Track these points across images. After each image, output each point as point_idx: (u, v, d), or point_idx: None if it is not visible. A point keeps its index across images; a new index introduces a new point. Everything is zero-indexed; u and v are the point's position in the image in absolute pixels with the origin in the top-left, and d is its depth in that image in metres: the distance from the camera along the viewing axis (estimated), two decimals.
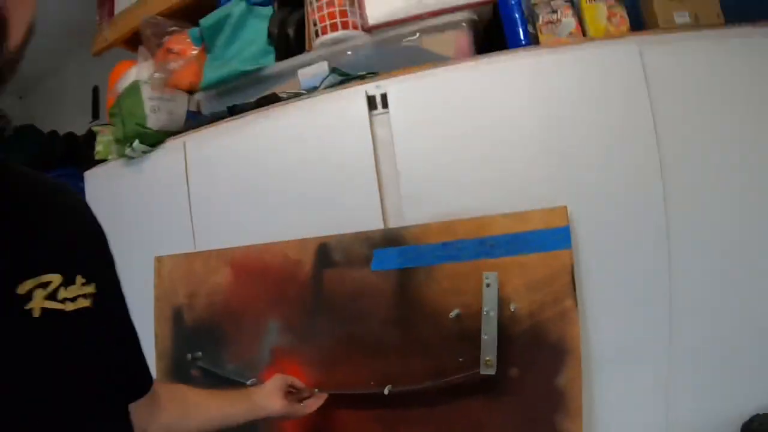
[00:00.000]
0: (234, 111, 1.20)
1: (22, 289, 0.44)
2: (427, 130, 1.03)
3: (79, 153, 2.16)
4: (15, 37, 0.41)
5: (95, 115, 2.51)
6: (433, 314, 0.99)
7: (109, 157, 1.53)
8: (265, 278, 1.09)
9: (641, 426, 1.07)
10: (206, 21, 1.37)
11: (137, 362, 0.63)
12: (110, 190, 1.49)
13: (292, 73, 1.24)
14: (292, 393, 0.94)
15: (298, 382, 0.96)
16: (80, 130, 2.46)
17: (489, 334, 0.95)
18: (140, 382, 0.64)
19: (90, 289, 0.50)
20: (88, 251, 0.55)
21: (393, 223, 1.03)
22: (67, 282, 0.48)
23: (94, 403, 0.49)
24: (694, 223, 1.01)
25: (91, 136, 1.60)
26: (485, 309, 0.95)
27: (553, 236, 0.97)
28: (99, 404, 0.50)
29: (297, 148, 1.12)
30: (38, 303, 0.45)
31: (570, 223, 0.97)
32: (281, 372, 0.99)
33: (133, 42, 1.68)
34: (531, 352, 0.99)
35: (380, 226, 1.03)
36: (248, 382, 1.05)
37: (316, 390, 0.99)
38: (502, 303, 0.97)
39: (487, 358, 0.95)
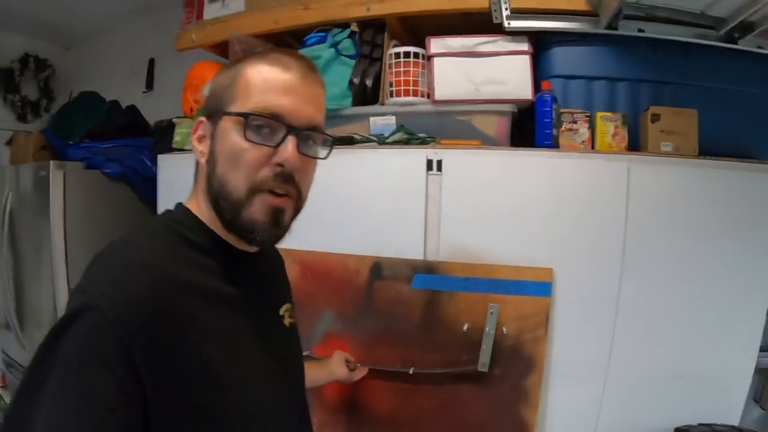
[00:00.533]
0: None
1: (282, 310, 0.80)
2: (467, 194, 1.41)
3: (138, 125, 2.35)
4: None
5: (149, 85, 2.68)
6: (450, 325, 1.41)
7: (186, 147, 1.82)
8: (327, 279, 1.47)
9: (576, 425, 1.53)
10: None
11: None
12: (181, 177, 1.79)
13: (365, 117, 1.57)
14: (346, 365, 1.36)
15: (350, 357, 1.37)
16: (124, 94, 2.65)
17: (486, 345, 1.38)
18: None
19: (292, 310, 0.86)
20: (287, 286, 0.91)
21: (431, 257, 1.42)
22: (293, 308, 0.85)
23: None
24: (638, 292, 1.45)
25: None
26: (487, 328, 1.37)
27: (540, 287, 1.40)
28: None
29: (366, 184, 1.47)
30: (287, 320, 0.81)
31: (552, 281, 1.40)
32: (331, 349, 1.40)
33: (217, 47, 1.92)
34: (511, 360, 1.42)
35: (421, 257, 1.42)
36: (305, 353, 1.44)
37: (358, 365, 1.40)
38: (498, 325, 1.39)
39: (483, 361, 1.39)
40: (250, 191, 0.63)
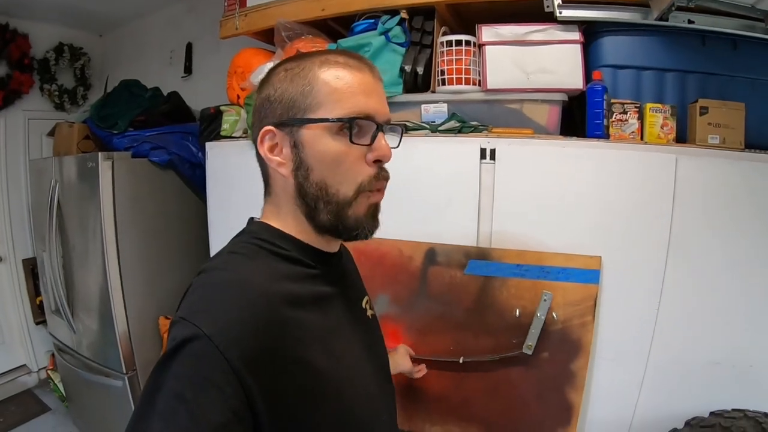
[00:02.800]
0: None
1: (363, 303, 0.83)
2: (519, 183, 1.47)
3: (180, 111, 2.37)
4: None
5: (188, 70, 2.70)
6: (501, 310, 1.47)
7: (234, 135, 1.85)
8: (382, 264, 1.53)
9: (618, 407, 1.59)
10: (346, 42, 1.68)
11: None
12: (230, 164, 1.82)
13: (416, 105, 1.60)
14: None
15: (412, 352, 1.43)
16: (162, 80, 2.67)
17: (535, 329, 1.43)
18: None
19: (370, 302, 0.88)
20: (360, 276, 0.93)
21: (483, 244, 1.48)
22: (369, 298, 0.87)
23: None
24: (682, 282, 1.51)
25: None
26: (538, 313, 1.42)
27: (588, 274, 1.46)
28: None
29: (420, 171, 1.52)
30: (369, 311, 0.84)
31: (601, 268, 1.45)
32: (386, 335, 1.42)
33: (260, 33, 1.93)
34: (559, 344, 1.49)
35: (474, 244, 1.48)
36: None
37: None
38: (548, 311, 1.42)
39: (529, 344, 1.45)
40: (357, 192, 0.67)
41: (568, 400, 1.52)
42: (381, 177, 0.69)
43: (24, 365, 3.31)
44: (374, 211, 0.70)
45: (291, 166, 0.68)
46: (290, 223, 0.71)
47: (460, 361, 1.45)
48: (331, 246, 0.75)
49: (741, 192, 1.52)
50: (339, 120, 0.65)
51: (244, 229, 0.74)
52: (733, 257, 1.55)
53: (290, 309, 0.62)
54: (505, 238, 1.46)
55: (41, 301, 3.09)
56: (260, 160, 0.72)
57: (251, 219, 0.76)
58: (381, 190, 0.71)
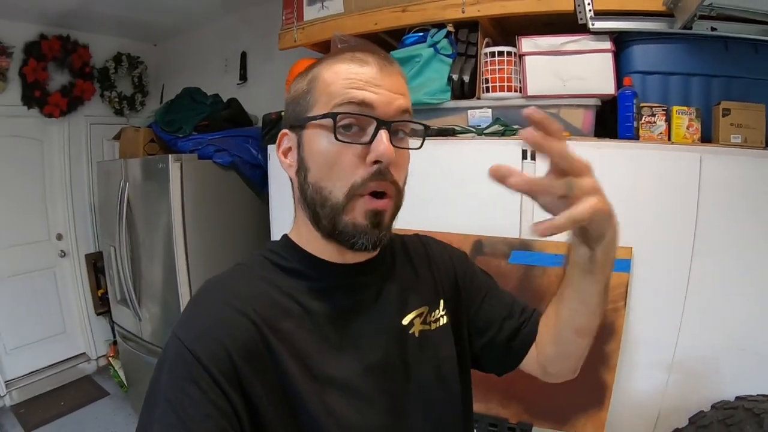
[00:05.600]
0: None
1: (406, 320, 0.70)
2: None
3: (240, 116, 2.57)
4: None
5: (243, 77, 2.90)
6: (542, 296, 1.63)
7: None
8: None
9: (648, 390, 1.74)
10: (398, 53, 1.85)
11: (518, 328, 0.81)
12: None
13: (463, 110, 1.78)
14: None
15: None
16: (218, 87, 2.86)
17: None
18: (525, 338, 0.82)
19: (445, 311, 0.75)
20: (438, 280, 0.78)
21: (525, 236, 1.64)
22: (432, 309, 0.74)
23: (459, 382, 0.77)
24: (707, 272, 1.65)
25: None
26: None
27: (620, 264, 1.62)
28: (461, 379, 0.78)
29: (467, 171, 1.69)
30: (417, 328, 0.71)
31: (631, 258, 1.62)
32: None
33: (317, 45, 2.11)
34: None
35: (517, 236, 1.64)
36: None
37: None
38: None
39: None
40: (349, 195, 0.61)
41: (602, 380, 1.68)
42: (378, 176, 0.61)
43: (84, 353, 3.60)
44: (374, 218, 0.62)
45: (295, 168, 0.66)
46: (302, 231, 0.68)
47: None
48: (347, 257, 0.66)
49: (762, 187, 1.64)
50: (324, 116, 0.60)
51: (272, 240, 0.73)
52: (755, 250, 1.68)
53: (275, 324, 0.60)
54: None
55: (103, 294, 3.35)
56: None
57: (285, 234, 0.73)
58: (385, 197, 0.63)
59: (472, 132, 1.71)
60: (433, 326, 0.74)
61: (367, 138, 0.60)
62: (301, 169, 0.64)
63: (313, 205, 0.63)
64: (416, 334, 0.72)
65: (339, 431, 0.59)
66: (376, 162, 0.60)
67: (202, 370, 0.53)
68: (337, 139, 0.59)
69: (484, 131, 1.69)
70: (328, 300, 0.65)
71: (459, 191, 1.68)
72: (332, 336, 0.64)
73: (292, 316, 0.62)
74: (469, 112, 1.75)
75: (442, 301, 0.77)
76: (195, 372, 0.53)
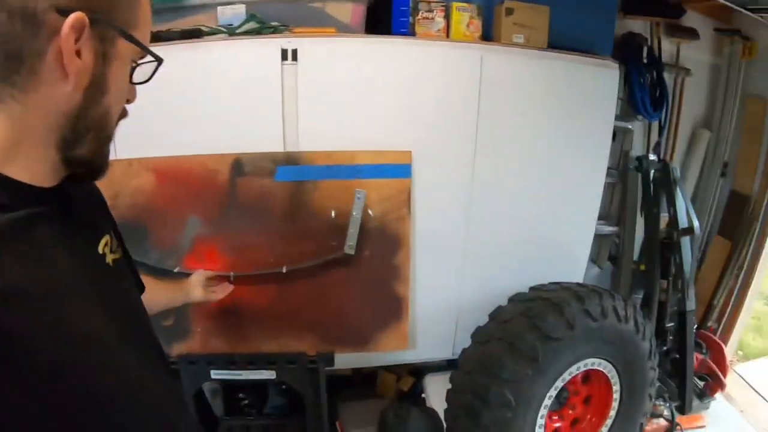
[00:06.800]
0: (160, 38, 1.41)
1: (99, 249, 0.63)
2: (325, 82, 1.45)
3: None
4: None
5: None
6: (317, 213, 1.49)
7: None
8: (187, 183, 1.45)
9: (444, 293, 1.75)
10: None
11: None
12: None
13: (212, 7, 1.51)
14: (208, 285, 1.33)
15: (211, 274, 1.35)
16: None
17: (353, 228, 1.49)
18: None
19: (116, 243, 0.69)
20: (106, 215, 0.74)
21: (291, 148, 1.46)
22: (111, 238, 0.67)
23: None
24: (491, 170, 1.64)
25: None
26: (354, 212, 1.48)
27: (400, 169, 1.52)
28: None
29: (218, 79, 1.44)
30: (109, 257, 0.65)
31: (411, 162, 1.52)
32: (202, 256, 1.43)
33: None
34: (379, 241, 1.56)
35: (281, 149, 1.46)
36: (175, 270, 1.43)
37: (232, 273, 1.42)
38: (364, 209, 1.47)
39: (350, 244, 1.50)
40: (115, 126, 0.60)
41: (397, 293, 1.63)
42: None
43: None
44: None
45: (86, 81, 0.51)
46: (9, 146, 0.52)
47: (284, 271, 1.47)
48: (51, 181, 0.56)
49: (544, 87, 1.67)
50: (151, 53, 0.57)
51: None
52: (538, 146, 1.72)
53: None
54: (314, 141, 1.46)
55: None
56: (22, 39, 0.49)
57: None
58: None
59: (222, 32, 1.44)
60: (117, 255, 0.69)
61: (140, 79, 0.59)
62: (98, 88, 0.53)
63: (89, 130, 0.54)
64: (110, 264, 0.66)
65: (96, 376, 0.51)
66: (128, 101, 0.60)
67: None
68: (131, 81, 0.58)
69: (237, 31, 1.44)
70: (49, 228, 0.53)
71: (209, 104, 1.42)
72: (59, 264, 0.53)
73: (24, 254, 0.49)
74: (219, 9, 1.47)
75: (112, 231, 0.71)
76: None
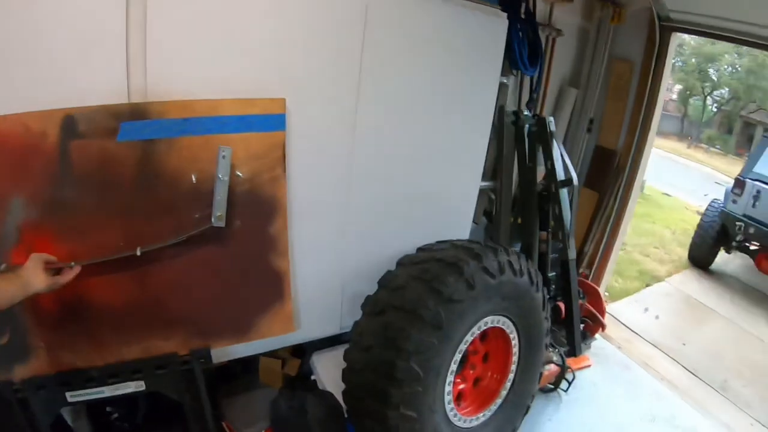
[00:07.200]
0: None
1: None
2: (180, 14, 1.45)
3: None
4: None
5: None
6: (174, 180, 1.53)
7: None
8: (3, 153, 1.33)
9: (326, 261, 1.92)
10: None
11: None
12: None
13: None
14: (49, 268, 1.28)
15: (52, 258, 1.30)
16: None
17: (221, 195, 1.57)
18: None
19: None
20: None
21: (138, 99, 1.45)
22: None
23: None
24: (374, 124, 1.83)
25: None
26: (219, 174, 1.55)
27: (272, 120, 1.63)
28: None
29: (38, 14, 1.31)
30: None
31: (285, 112, 1.64)
32: (32, 248, 1.32)
33: None
34: (251, 207, 1.65)
35: (125, 100, 1.44)
36: (1, 268, 1.32)
37: (72, 263, 1.34)
38: (231, 170, 1.57)
39: (218, 214, 1.57)
40: None
41: (276, 268, 1.74)
42: None
43: None
44: None
45: None
46: None
47: (138, 254, 1.46)
48: None
49: (431, 33, 1.89)
50: None
51: None
52: (423, 96, 1.96)
53: None
54: (167, 88, 1.47)
55: None
56: None
57: None
58: None
59: None
60: None
61: None
62: None
63: None
64: None
65: None
66: None
67: None
68: None
69: None
70: None
71: (28, 47, 1.33)
72: None
73: None
74: None
75: None
76: None
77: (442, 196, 2.15)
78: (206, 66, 1.52)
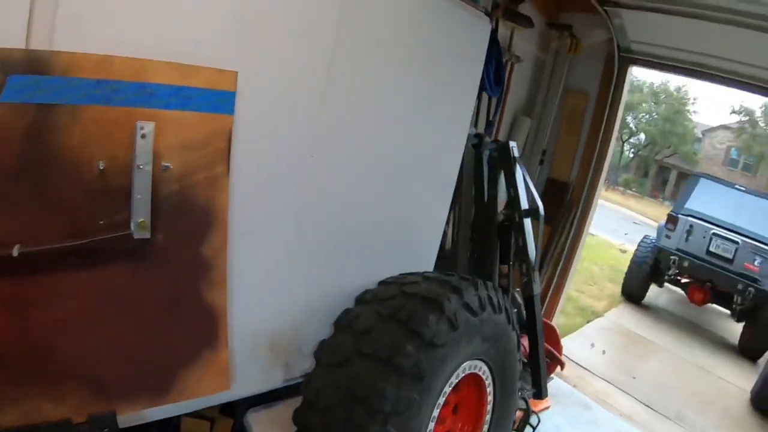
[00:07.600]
0: None
1: None
2: None
3: None
4: None
5: None
6: (74, 165, 1.09)
7: None
8: None
9: (273, 295, 1.53)
10: None
11: None
12: None
13: None
14: None
15: None
16: None
17: (143, 193, 1.14)
18: None
19: None
20: None
21: (38, 45, 1.04)
22: None
23: None
24: (338, 128, 1.54)
25: None
26: (139, 163, 1.13)
27: (217, 98, 1.24)
28: None
29: None
30: None
31: (236, 90, 1.26)
32: None
33: None
34: (178, 217, 1.24)
35: (21, 44, 1.03)
36: None
37: None
38: (155, 159, 1.15)
39: (141, 220, 1.14)
40: None
41: (209, 302, 1.34)
42: None
43: None
44: None
45: None
46: None
47: (15, 254, 1.01)
48: None
49: (411, 28, 1.70)
50: None
51: None
52: (396, 95, 1.71)
53: None
54: (80, 36, 1.06)
55: None
56: None
57: None
58: None
59: None
60: None
61: None
62: None
63: None
64: None
65: None
66: None
67: None
68: None
69: None
70: None
71: None
72: None
73: None
74: None
75: None
76: None
77: (411, 221, 1.94)
78: (137, 15, 1.12)
